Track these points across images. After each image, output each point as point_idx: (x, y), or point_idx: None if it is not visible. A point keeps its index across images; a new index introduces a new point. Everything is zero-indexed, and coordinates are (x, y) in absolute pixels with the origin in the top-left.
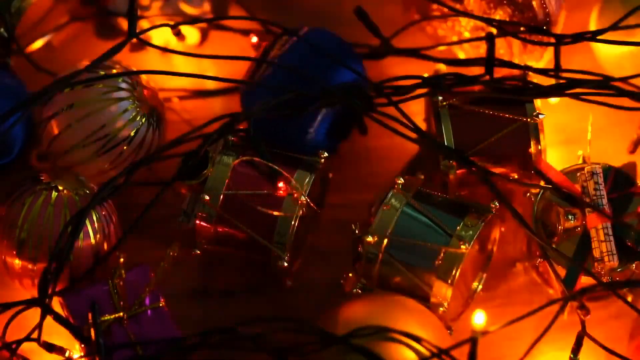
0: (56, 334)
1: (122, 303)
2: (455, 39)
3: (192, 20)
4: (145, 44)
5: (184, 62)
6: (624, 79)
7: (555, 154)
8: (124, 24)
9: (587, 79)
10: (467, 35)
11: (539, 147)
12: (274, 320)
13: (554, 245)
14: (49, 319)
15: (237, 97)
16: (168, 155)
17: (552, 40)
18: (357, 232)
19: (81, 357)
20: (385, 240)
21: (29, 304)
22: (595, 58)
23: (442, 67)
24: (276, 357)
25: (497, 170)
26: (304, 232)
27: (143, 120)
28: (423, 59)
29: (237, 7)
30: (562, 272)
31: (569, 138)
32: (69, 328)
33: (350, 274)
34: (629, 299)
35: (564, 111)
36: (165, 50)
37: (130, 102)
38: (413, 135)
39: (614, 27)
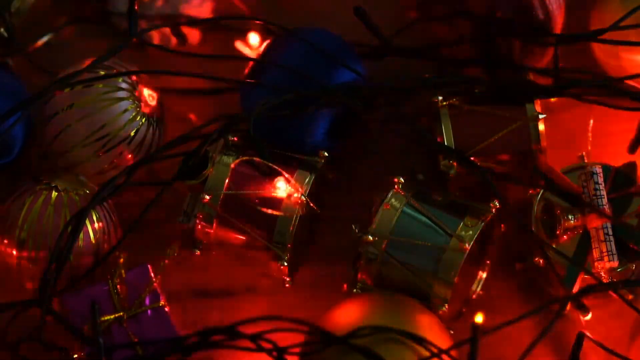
0: (56, 334)
1: (122, 303)
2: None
3: (192, 20)
4: (145, 44)
5: (184, 62)
6: (623, 79)
7: (555, 154)
8: (124, 24)
9: (587, 79)
10: (467, 35)
11: (539, 147)
12: (274, 320)
13: (554, 245)
14: (49, 319)
15: (237, 97)
16: (168, 155)
17: (552, 40)
18: (357, 232)
19: (81, 357)
20: (385, 240)
21: (29, 304)
22: (595, 58)
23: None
24: (276, 357)
25: (497, 170)
26: (304, 232)
27: (143, 120)
28: (423, 59)
29: (237, 7)
30: (562, 272)
31: (569, 138)
32: (69, 328)
33: (351, 274)
34: (629, 299)
35: (564, 111)
36: (165, 50)
37: (130, 102)
38: (413, 135)
39: (614, 27)
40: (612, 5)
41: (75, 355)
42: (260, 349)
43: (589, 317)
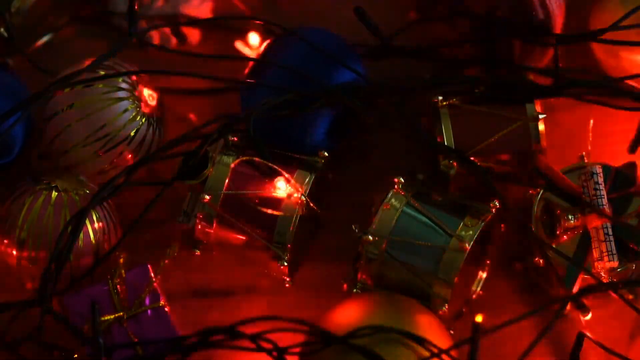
0: (56, 334)
1: (122, 303)
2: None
3: (192, 21)
4: (145, 44)
5: (184, 62)
6: (623, 79)
7: (555, 154)
8: (124, 24)
9: (587, 79)
10: (467, 35)
11: (539, 147)
12: (274, 320)
13: (554, 245)
14: (49, 319)
15: (237, 97)
16: (168, 155)
17: (552, 40)
18: (357, 232)
19: (81, 357)
20: (385, 240)
21: (29, 304)
22: (595, 58)
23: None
24: (276, 357)
25: (497, 170)
26: (304, 232)
27: (143, 120)
28: (423, 59)
29: (237, 7)
30: (562, 272)
31: (569, 138)
32: (69, 328)
33: (351, 274)
34: (629, 298)
35: (564, 111)
36: (165, 50)
37: (130, 102)
38: (413, 135)
39: (614, 27)
40: (612, 5)
41: (75, 355)
42: (260, 349)
43: (589, 317)
